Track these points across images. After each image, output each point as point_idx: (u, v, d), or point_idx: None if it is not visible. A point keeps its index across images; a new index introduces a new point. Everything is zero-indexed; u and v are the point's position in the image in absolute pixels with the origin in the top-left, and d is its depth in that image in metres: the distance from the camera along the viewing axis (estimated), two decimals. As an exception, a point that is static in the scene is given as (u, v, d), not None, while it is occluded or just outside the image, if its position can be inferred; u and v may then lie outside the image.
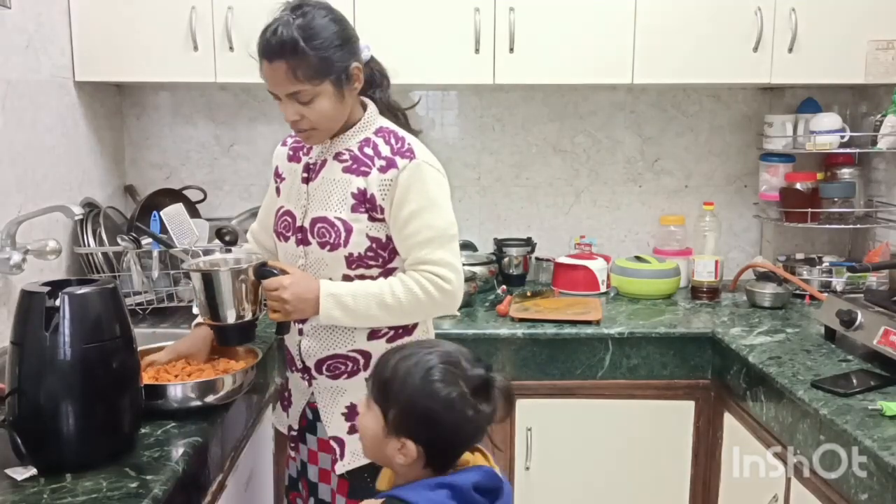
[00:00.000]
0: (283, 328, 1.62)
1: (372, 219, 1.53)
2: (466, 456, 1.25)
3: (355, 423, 1.54)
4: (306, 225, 1.58)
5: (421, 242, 1.52)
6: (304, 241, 1.59)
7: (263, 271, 1.54)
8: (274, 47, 1.45)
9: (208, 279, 1.52)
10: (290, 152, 1.68)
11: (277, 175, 1.71)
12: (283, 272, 1.53)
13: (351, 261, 1.54)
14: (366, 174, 1.53)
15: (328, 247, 1.54)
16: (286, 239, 1.63)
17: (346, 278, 1.56)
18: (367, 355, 1.57)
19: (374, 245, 1.54)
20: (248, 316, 1.55)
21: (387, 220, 1.54)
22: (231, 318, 1.53)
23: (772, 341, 2.07)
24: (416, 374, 1.18)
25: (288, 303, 1.50)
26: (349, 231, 1.53)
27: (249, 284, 1.53)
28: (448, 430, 1.18)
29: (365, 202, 1.53)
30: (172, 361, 1.65)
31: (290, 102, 1.49)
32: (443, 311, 1.59)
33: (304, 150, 1.64)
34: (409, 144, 1.55)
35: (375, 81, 1.63)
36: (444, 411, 1.17)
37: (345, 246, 1.53)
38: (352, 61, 1.51)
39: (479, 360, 1.24)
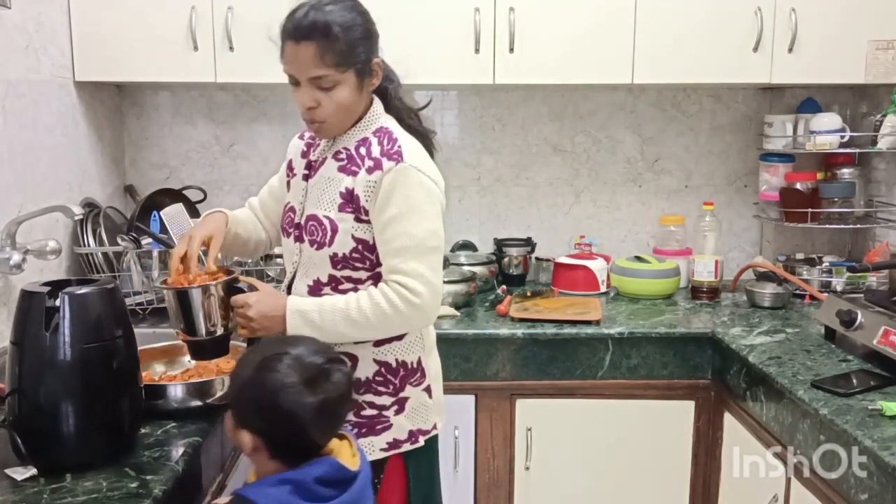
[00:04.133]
0: (252, 344, 1.55)
1: (358, 220, 1.51)
2: (333, 444, 1.28)
3: None
4: (302, 222, 1.58)
5: (395, 250, 1.47)
6: (299, 238, 1.58)
7: (232, 288, 1.52)
8: (305, 28, 1.44)
9: (180, 295, 1.50)
10: (304, 149, 1.66)
11: (290, 168, 1.69)
12: (253, 288, 1.51)
13: (336, 261, 1.52)
14: (354, 174, 1.51)
15: (316, 245, 1.53)
16: (288, 235, 1.63)
17: (333, 278, 1.54)
18: (353, 358, 1.53)
19: (359, 246, 1.52)
20: (220, 331, 1.53)
21: (372, 223, 1.51)
22: (202, 332, 1.51)
23: (772, 341, 2.07)
24: (249, 367, 1.24)
25: (253, 320, 1.47)
26: (335, 230, 1.51)
27: (217, 300, 1.51)
28: (279, 420, 1.20)
29: (351, 202, 1.51)
30: (199, 250, 1.57)
31: (309, 88, 1.47)
32: (413, 326, 1.54)
33: (314, 146, 1.63)
34: (399, 147, 1.51)
35: (389, 78, 1.61)
36: (271, 401, 1.20)
37: (329, 245, 1.51)
38: (374, 56, 1.51)
39: (323, 353, 1.27)
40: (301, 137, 1.70)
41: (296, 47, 1.45)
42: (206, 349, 1.56)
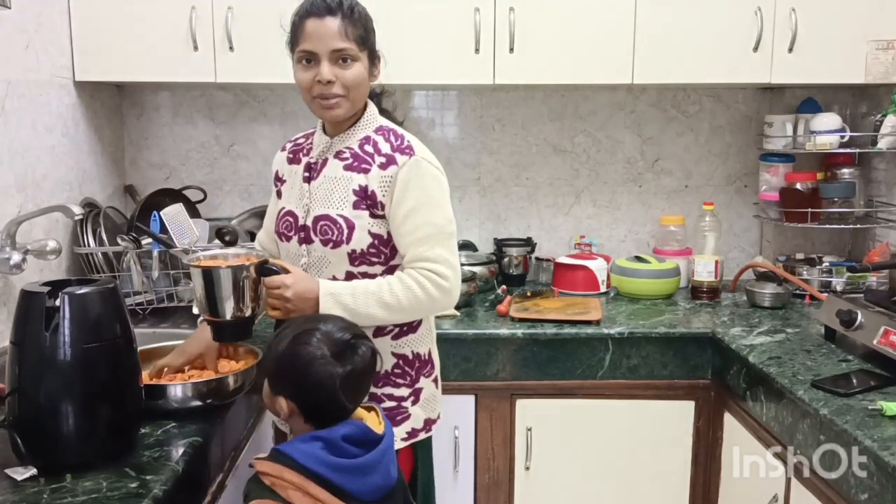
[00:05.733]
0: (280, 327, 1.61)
1: (373, 215, 1.55)
2: (361, 413, 1.41)
3: None
4: (309, 223, 1.59)
5: (419, 239, 1.53)
6: (306, 240, 1.60)
7: (265, 269, 1.53)
8: (331, 4, 1.51)
9: (208, 275, 1.50)
10: (290, 155, 1.70)
11: (278, 179, 1.73)
12: (285, 270, 1.53)
13: (354, 257, 1.56)
14: (366, 171, 1.55)
15: (331, 244, 1.56)
16: (288, 239, 1.64)
17: (350, 275, 1.57)
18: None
19: (376, 241, 1.56)
20: (247, 313, 1.54)
21: (387, 217, 1.55)
22: (229, 314, 1.52)
23: (772, 341, 2.07)
24: (286, 339, 1.37)
25: (290, 301, 1.50)
26: (351, 228, 1.54)
27: (250, 281, 1.52)
28: (311, 387, 1.34)
29: (366, 199, 1.54)
30: (185, 364, 1.66)
31: (328, 62, 1.52)
32: (441, 308, 1.60)
33: (305, 150, 1.67)
34: (408, 141, 1.57)
35: (373, 91, 1.67)
36: (304, 370, 1.34)
37: (347, 243, 1.55)
38: (377, 49, 1.59)
39: (349, 330, 1.39)
40: (283, 149, 1.74)
41: (319, 22, 1.51)
42: (231, 331, 1.57)
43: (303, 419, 1.37)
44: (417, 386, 1.63)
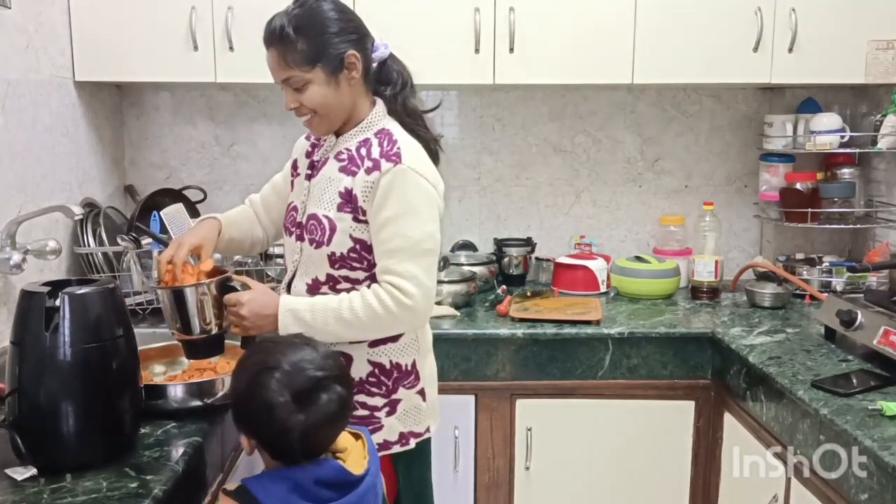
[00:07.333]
0: (246, 342, 1.57)
1: (356, 220, 1.51)
2: (345, 441, 1.31)
3: None
4: (303, 221, 1.59)
5: (390, 251, 1.48)
6: (300, 237, 1.60)
7: (225, 286, 1.53)
8: (267, 35, 1.51)
9: (175, 295, 1.50)
10: (309, 149, 1.68)
11: (294, 168, 1.71)
12: (246, 287, 1.52)
13: (334, 260, 1.53)
14: (354, 174, 1.53)
15: (314, 244, 1.55)
16: (290, 234, 1.64)
17: (331, 278, 1.55)
18: (348, 357, 1.55)
19: (357, 246, 1.52)
20: (214, 330, 1.53)
21: (369, 224, 1.52)
22: (196, 331, 1.51)
23: (772, 341, 2.07)
24: (245, 378, 1.27)
25: (245, 318, 1.49)
26: (333, 230, 1.52)
27: (211, 298, 1.51)
28: (272, 432, 1.23)
29: (350, 202, 1.52)
30: (186, 254, 1.57)
31: (287, 90, 1.52)
32: (405, 327, 1.55)
33: (318, 148, 1.65)
34: (398, 149, 1.51)
35: (391, 79, 1.61)
36: (262, 416, 1.23)
37: (328, 244, 1.53)
38: (348, 49, 1.51)
39: (323, 365, 1.26)
40: (307, 138, 1.72)
41: (267, 54, 1.52)
42: (201, 348, 1.56)
43: (269, 455, 1.28)
44: (395, 397, 1.58)
